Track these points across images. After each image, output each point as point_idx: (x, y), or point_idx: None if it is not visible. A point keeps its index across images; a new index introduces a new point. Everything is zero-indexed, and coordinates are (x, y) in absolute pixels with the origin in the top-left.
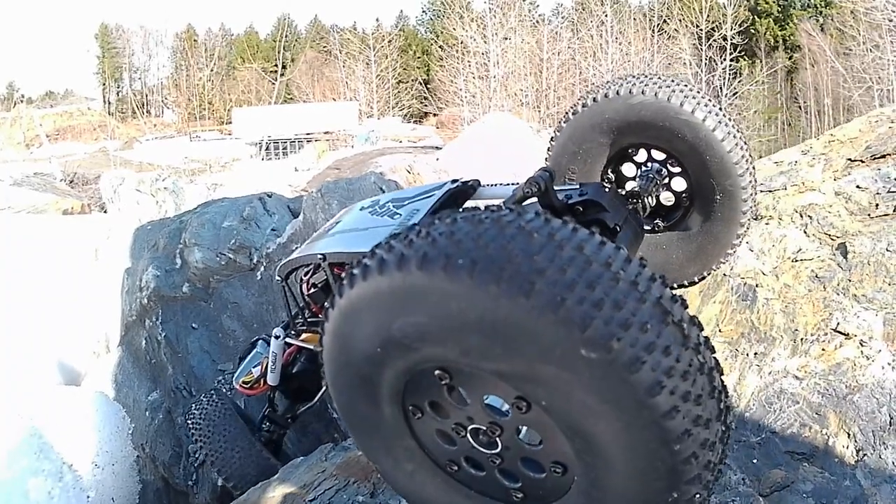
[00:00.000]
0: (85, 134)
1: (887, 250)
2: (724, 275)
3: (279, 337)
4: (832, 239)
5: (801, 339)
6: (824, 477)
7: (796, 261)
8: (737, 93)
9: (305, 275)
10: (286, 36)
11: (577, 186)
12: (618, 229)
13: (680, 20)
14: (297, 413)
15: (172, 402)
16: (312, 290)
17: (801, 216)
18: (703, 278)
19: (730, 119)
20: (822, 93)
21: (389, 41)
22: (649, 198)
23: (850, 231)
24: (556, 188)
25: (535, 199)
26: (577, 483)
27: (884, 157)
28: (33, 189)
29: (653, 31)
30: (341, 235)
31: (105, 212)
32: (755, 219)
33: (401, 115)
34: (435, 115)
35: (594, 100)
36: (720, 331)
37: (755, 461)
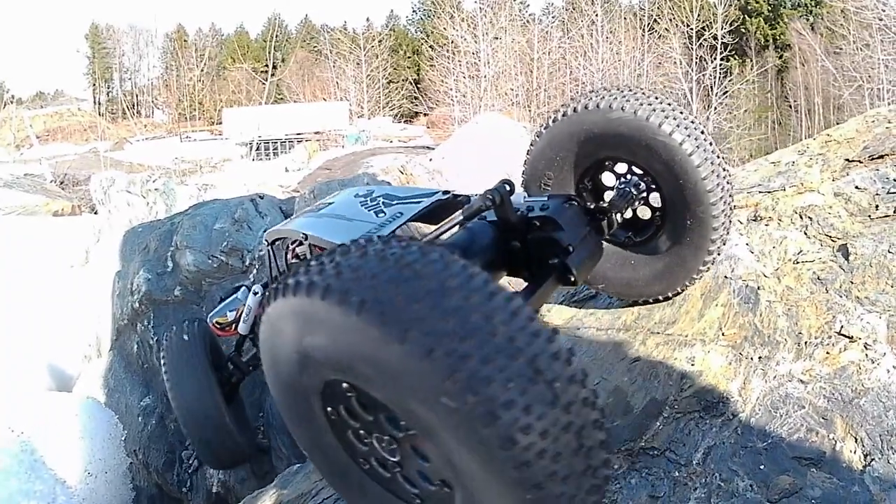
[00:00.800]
0: (75, 135)
1: (889, 252)
2: (726, 277)
3: (258, 293)
4: (833, 240)
5: (805, 343)
6: (832, 482)
7: (797, 263)
8: (727, 91)
9: (293, 243)
10: (276, 36)
11: (544, 199)
12: (570, 250)
13: (670, 19)
14: (260, 364)
15: (165, 407)
16: (295, 259)
17: (801, 217)
18: (668, 298)
19: (711, 144)
20: (813, 92)
21: (380, 41)
22: (618, 214)
23: (850, 232)
24: (527, 198)
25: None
26: (458, 502)
27: (882, 157)
28: (23, 190)
29: (643, 30)
30: (328, 220)
31: (95, 213)
32: (754, 220)
33: (391, 115)
34: (425, 114)
35: (574, 110)
36: (723, 334)
37: (762, 467)
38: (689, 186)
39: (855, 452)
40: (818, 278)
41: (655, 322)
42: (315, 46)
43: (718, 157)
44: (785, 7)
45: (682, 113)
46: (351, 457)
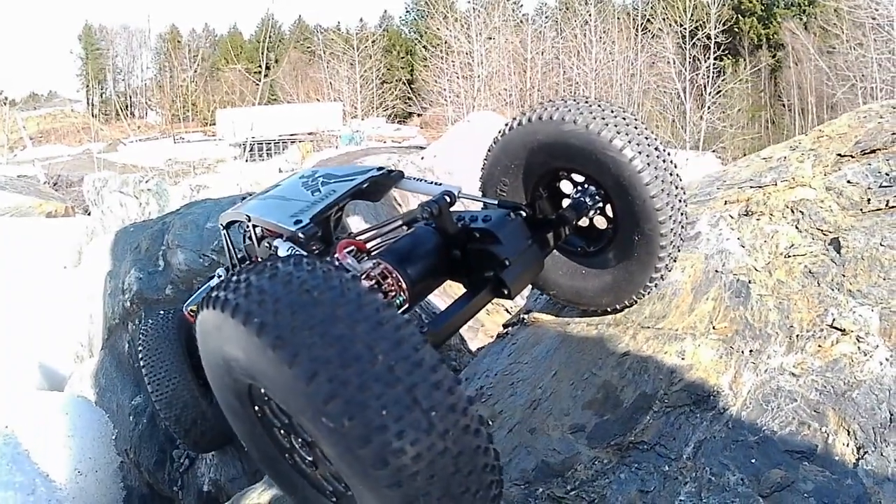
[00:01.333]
0: (69, 136)
1: (881, 245)
2: (717, 271)
3: (221, 276)
4: (824, 234)
5: (797, 336)
6: (825, 476)
7: (789, 256)
8: (720, 91)
9: (248, 227)
10: (270, 36)
11: (494, 203)
12: (507, 263)
13: (664, 19)
14: None
15: None
16: (249, 241)
17: (793, 211)
18: (617, 310)
19: (664, 161)
20: (806, 91)
21: (373, 41)
22: (567, 227)
23: (842, 226)
24: (484, 201)
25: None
26: None
27: (873, 152)
28: (16, 191)
29: (637, 30)
30: (271, 200)
31: (89, 214)
32: (745, 215)
33: (385, 116)
34: (419, 115)
35: (529, 119)
36: (714, 328)
37: (754, 461)
38: (638, 203)
39: (848, 445)
40: (810, 272)
41: (646, 316)
42: (308, 47)
43: (672, 174)
44: (778, 6)
45: (636, 128)
46: (279, 452)
